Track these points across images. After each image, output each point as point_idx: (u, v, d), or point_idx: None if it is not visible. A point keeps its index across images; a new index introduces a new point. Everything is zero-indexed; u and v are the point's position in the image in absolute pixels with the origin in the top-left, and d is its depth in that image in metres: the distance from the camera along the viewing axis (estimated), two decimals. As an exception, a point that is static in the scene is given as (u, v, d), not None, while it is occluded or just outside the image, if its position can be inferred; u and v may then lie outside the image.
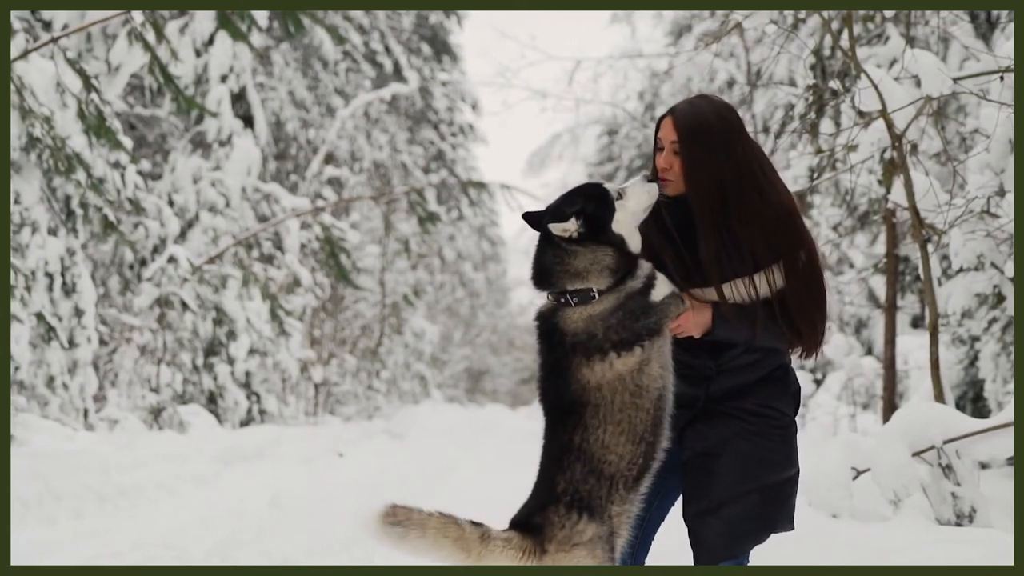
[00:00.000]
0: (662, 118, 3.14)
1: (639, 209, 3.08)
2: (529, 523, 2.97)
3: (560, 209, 3.07)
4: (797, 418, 3.27)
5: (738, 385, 3.15)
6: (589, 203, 3.05)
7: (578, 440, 2.99)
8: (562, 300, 3.05)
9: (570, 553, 2.92)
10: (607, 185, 3.10)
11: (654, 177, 3.12)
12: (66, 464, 7.81)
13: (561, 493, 2.97)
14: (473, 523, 2.93)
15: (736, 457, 3.10)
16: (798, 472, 3.21)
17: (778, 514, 3.15)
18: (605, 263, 3.05)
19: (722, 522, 3.09)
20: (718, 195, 3.05)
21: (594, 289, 3.03)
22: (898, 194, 6.24)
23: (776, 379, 3.17)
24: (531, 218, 3.13)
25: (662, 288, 3.09)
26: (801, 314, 3.10)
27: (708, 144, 3.06)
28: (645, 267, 3.11)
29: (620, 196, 3.08)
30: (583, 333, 3.02)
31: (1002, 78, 5.67)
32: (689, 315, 3.09)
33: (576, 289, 3.04)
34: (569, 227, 3.04)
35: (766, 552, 3.42)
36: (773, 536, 3.27)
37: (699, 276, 3.12)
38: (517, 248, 34.91)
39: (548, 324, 3.08)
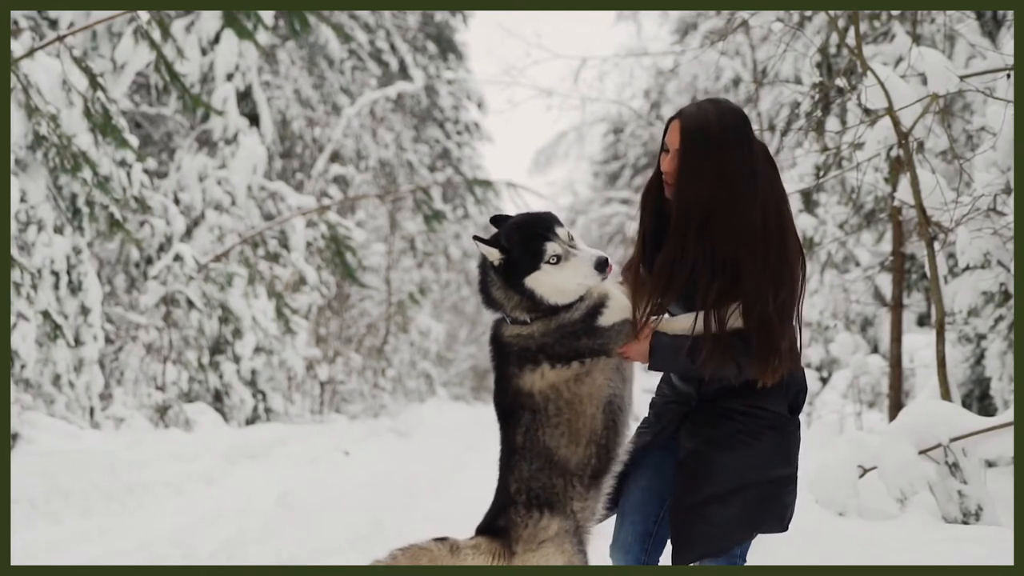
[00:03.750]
0: (671, 120, 3.08)
1: (569, 283, 2.99)
2: (494, 526, 3.00)
3: (499, 235, 3.06)
4: (802, 417, 3.24)
5: (728, 385, 3.11)
6: (517, 248, 3.00)
7: (521, 440, 3.07)
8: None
9: (538, 551, 2.93)
10: (550, 244, 2.98)
11: (604, 265, 2.97)
12: (72, 462, 7.82)
13: (515, 493, 3.03)
14: (437, 540, 2.98)
15: (722, 457, 3.08)
16: (794, 473, 3.15)
17: (764, 515, 3.10)
18: (516, 302, 3.05)
19: (703, 521, 3.07)
20: (702, 208, 2.97)
21: (522, 317, 3.05)
22: (904, 192, 6.24)
23: None
24: (496, 220, 3.15)
25: (614, 314, 3.05)
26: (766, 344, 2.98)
27: (705, 154, 2.97)
28: (593, 296, 3.05)
29: (558, 259, 2.98)
30: (516, 345, 3.07)
31: (1008, 75, 5.66)
32: (633, 344, 3.07)
33: (506, 315, 3.08)
34: (491, 255, 3.05)
35: (771, 551, 3.42)
36: (778, 535, 3.25)
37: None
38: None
39: (494, 335, 3.16)
